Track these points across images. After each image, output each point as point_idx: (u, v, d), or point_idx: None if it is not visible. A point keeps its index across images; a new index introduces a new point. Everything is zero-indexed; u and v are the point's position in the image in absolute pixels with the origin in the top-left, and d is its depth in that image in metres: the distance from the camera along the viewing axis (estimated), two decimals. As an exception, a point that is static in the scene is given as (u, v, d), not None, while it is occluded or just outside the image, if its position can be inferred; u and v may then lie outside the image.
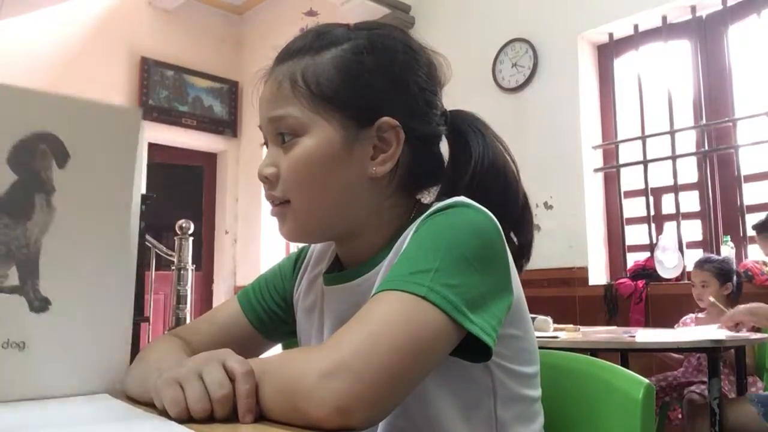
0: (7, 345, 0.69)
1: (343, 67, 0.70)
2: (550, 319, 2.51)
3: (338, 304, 0.75)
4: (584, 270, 3.57)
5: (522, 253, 0.76)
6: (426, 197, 0.78)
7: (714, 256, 2.90)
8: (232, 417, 0.54)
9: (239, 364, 0.55)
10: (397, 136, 0.71)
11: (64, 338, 0.72)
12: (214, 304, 5.73)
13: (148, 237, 3.37)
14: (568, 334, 2.41)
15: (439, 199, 0.76)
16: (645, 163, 3.59)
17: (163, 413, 0.55)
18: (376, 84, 0.70)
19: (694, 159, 3.47)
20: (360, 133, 0.70)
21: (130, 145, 0.73)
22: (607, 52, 3.81)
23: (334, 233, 0.76)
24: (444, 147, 0.78)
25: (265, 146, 0.75)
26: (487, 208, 0.68)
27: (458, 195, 0.72)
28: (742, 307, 2.30)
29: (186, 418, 0.53)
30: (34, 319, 0.70)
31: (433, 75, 0.76)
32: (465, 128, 0.77)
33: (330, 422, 0.51)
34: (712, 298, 2.68)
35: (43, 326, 0.71)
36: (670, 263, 3.32)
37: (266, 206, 0.77)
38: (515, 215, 0.75)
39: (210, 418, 0.53)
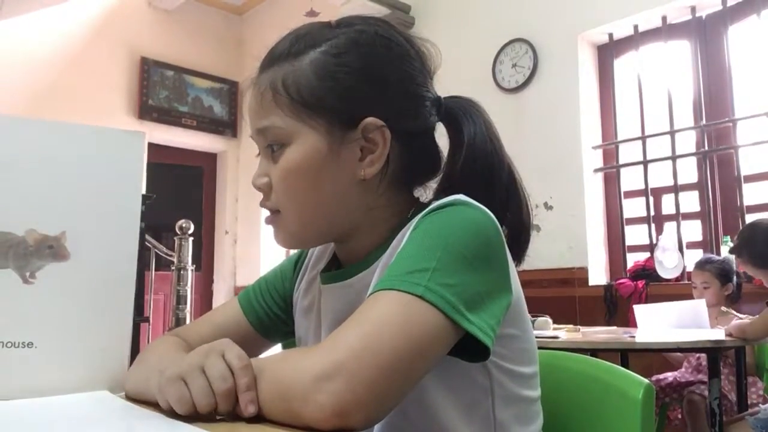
0: (10, 345, 0.70)
1: (321, 71, 0.68)
2: (549, 320, 2.51)
3: (335, 303, 0.74)
4: (584, 270, 3.57)
5: (518, 237, 0.73)
6: (424, 192, 0.77)
7: (714, 257, 2.90)
8: (234, 411, 0.54)
9: (237, 358, 0.55)
10: (383, 135, 0.69)
11: (65, 338, 0.73)
12: (214, 305, 5.72)
13: (148, 237, 3.37)
14: (568, 334, 2.42)
15: (439, 190, 0.75)
16: (645, 163, 3.58)
17: (166, 411, 0.55)
18: (357, 84, 0.69)
19: (694, 159, 3.47)
20: (345, 136, 0.69)
21: (134, 166, 0.78)
22: (607, 52, 3.81)
23: (328, 237, 0.76)
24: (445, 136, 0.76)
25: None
26: (474, 190, 0.68)
27: (453, 183, 0.71)
28: (745, 324, 2.24)
29: (193, 414, 0.53)
30: (37, 319, 0.71)
31: (421, 66, 0.74)
32: (459, 115, 0.75)
33: (327, 424, 0.51)
34: (724, 308, 2.68)
35: (45, 327, 0.72)
36: (670, 263, 3.32)
37: (266, 207, 0.77)
38: (501, 192, 0.73)
39: (214, 412, 0.54)
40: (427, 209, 0.67)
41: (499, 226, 0.66)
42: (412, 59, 0.73)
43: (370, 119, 0.69)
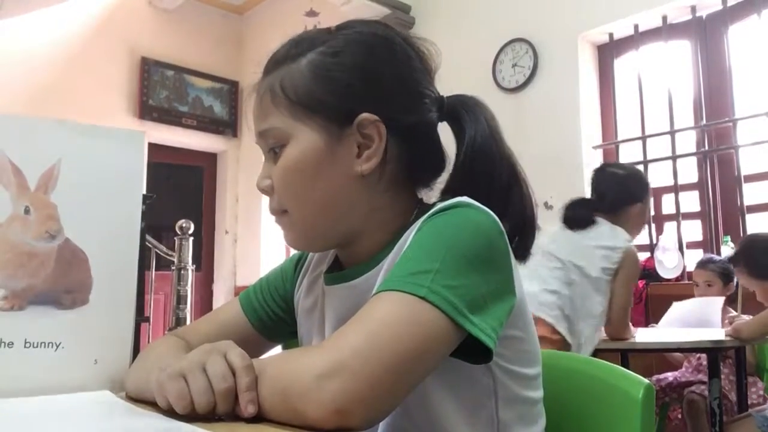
0: (4, 345, 0.70)
1: (316, 70, 0.70)
2: None
3: (339, 304, 0.75)
4: (584, 270, 3.56)
5: (522, 232, 0.73)
6: (429, 194, 0.77)
7: (716, 257, 2.91)
8: (233, 411, 0.54)
9: (239, 357, 0.55)
10: (378, 130, 0.70)
11: (66, 338, 0.72)
12: (214, 304, 5.72)
13: (148, 237, 3.36)
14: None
15: (444, 190, 0.75)
16: (645, 163, 3.58)
17: (164, 409, 0.55)
18: (351, 81, 0.70)
19: (694, 159, 3.47)
20: (342, 133, 0.69)
21: (135, 166, 0.78)
22: (607, 52, 3.81)
23: (335, 239, 0.75)
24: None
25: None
26: (474, 187, 0.68)
27: (456, 181, 0.71)
28: (741, 324, 2.23)
29: (191, 412, 0.53)
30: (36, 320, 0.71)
31: (421, 65, 0.74)
32: (461, 112, 0.75)
33: (328, 423, 0.52)
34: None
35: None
36: (670, 263, 3.32)
37: (266, 206, 0.77)
38: (501, 187, 0.73)
39: (212, 412, 0.53)
40: (431, 211, 0.67)
41: (502, 228, 0.65)
42: (411, 58, 0.73)
43: (364, 114, 0.69)
